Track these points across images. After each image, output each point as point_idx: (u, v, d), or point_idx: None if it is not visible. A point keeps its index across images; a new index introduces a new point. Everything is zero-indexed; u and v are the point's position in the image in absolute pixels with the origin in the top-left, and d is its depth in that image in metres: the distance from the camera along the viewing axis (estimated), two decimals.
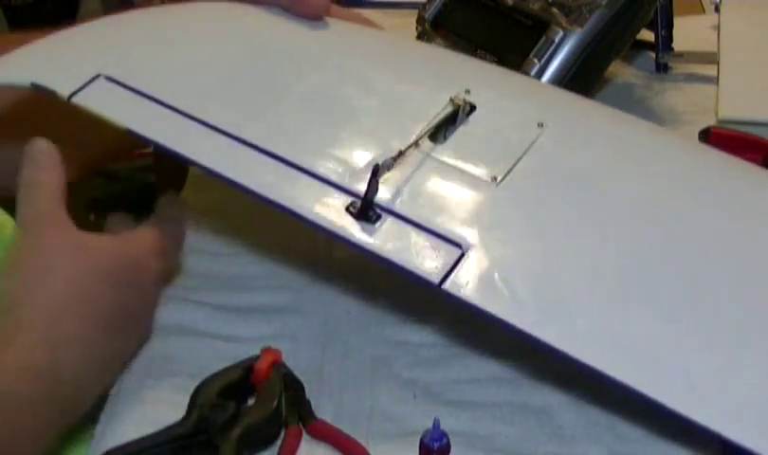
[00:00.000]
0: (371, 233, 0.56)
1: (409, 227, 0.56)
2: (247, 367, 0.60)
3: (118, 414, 0.61)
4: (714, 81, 0.95)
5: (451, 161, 0.59)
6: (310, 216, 0.56)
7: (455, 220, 0.56)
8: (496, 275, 0.53)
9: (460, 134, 0.60)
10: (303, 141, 0.60)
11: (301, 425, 0.59)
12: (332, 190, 0.57)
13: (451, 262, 0.54)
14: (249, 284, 0.72)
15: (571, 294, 0.53)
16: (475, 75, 0.65)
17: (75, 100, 0.60)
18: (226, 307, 0.70)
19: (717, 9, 1.05)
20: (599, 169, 0.59)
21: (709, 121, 0.89)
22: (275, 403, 0.59)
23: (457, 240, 0.55)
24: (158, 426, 0.58)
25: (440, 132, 0.60)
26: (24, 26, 2.91)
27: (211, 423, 0.57)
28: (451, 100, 0.62)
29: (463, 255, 0.54)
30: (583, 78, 0.90)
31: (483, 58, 0.95)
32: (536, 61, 0.88)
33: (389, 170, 0.56)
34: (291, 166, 0.58)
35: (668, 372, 0.49)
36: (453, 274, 0.54)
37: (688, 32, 1.05)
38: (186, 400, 0.59)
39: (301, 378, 0.61)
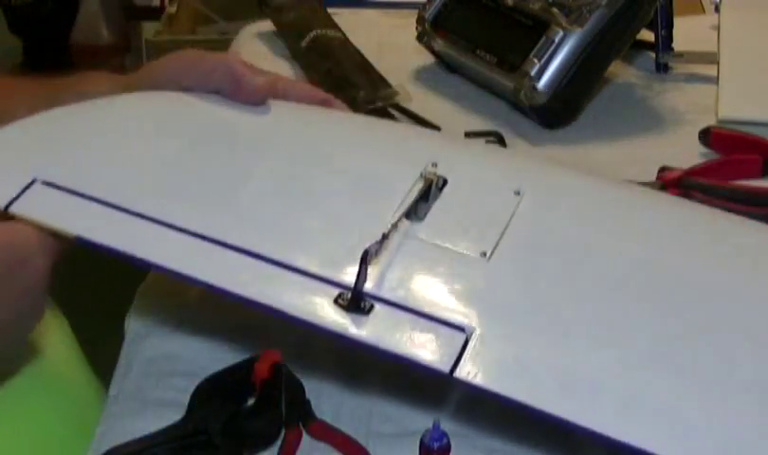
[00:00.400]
0: (365, 326, 0.51)
1: (405, 315, 0.52)
2: (247, 367, 0.60)
3: (118, 414, 0.62)
4: (714, 81, 0.95)
5: (435, 240, 0.56)
6: (299, 314, 0.52)
7: (451, 302, 0.52)
8: (507, 355, 0.50)
9: (436, 210, 0.57)
10: (273, 232, 0.56)
11: (301, 425, 0.59)
12: (315, 282, 0.53)
13: (458, 348, 0.50)
14: None
15: (586, 364, 0.50)
16: (438, 148, 0.62)
17: (13, 209, 0.56)
18: (226, 307, 0.70)
19: (717, 9, 1.05)
20: (584, 230, 0.57)
21: (709, 121, 0.89)
22: (275, 403, 0.59)
23: (458, 323, 0.52)
24: (158, 426, 0.58)
25: (413, 210, 0.57)
26: (23, 25, 2.92)
27: (211, 423, 0.57)
28: (422, 175, 0.59)
29: (468, 339, 0.51)
30: (583, 78, 0.90)
31: (482, 58, 0.95)
32: (536, 61, 0.88)
33: (377, 255, 0.53)
34: (265, 260, 0.54)
35: (699, 436, 0.47)
36: (462, 361, 0.50)
37: (688, 32, 1.05)
38: (186, 400, 0.59)
39: (301, 378, 0.61)
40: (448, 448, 0.55)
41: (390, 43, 1.11)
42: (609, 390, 0.49)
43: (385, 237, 0.53)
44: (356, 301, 0.52)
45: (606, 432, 0.48)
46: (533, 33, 0.89)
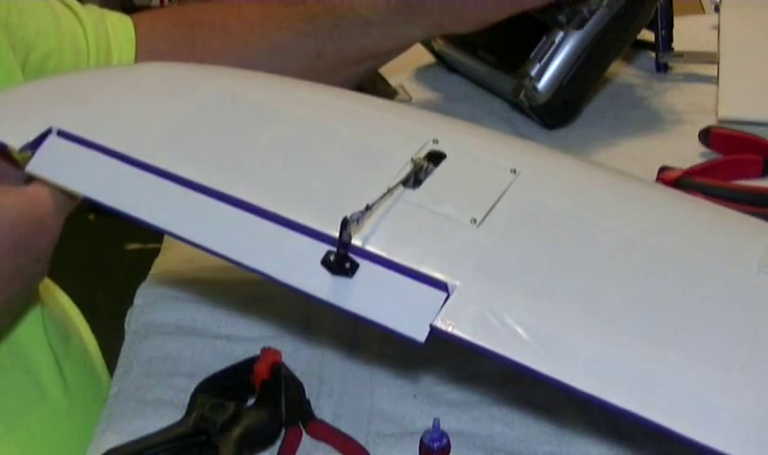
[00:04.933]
0: (349, 289, 0.53)
1: (390, 273, 0.53)
2: (247, 367, 0.60)
3: (118, 414, 0.62)
4: (714, 81, 0.95)
5: (426, 205, 0.57)
6: (284, 279, 0.54)
7: (437, 261, 0.53)
8: (487, 311, 0.51)
9: (432, 180, 0.58)
10: (271, 187, 0.58)
11: (301, 425, 0.59)
12: (305, 238, 0.55)
13: (438, 305, 0.52)
14: (250, 284, 0.72)
15: (566, 326, 0.51)
16: (441, 126, 0.63)
17: (30, 168, 0.59)
18: (226, 307, 0.71)
19: (717, 9, 1.05)
20: (577, 211, 0.57)
21: (709, 121, 0.89)
22: (275, 403, 0.59)
23: (441, 281, 0.53)
24: (158, 426, 0.58)
25: (410, 178, 0.58)
26: None
27: (211, 423, 0.57)
28: (422, 148, 0.60)
29: (449, 296, 0.52)
30: (583, 78, 0.90)
31: (482, 58, 0.95)
32: (536, 61, 0.88)
33: (357, 222, 0.54)
34: (261, 214, 0.56)
35: (673, 396, 0.49)
36: (442, 312, 0.51)
37: (688, 32, 1.05)
38: (186, 400, 0.60)
39: (301, 378, 0.61)
40: (447, 448, 0.56)
41: None
42: (586, 349, 0.51)
43: (368, 208, 0.54)
44: (340, 262, 0.53)
45: (575, 385, 0.49)
46: (533, 33, 0.89)
